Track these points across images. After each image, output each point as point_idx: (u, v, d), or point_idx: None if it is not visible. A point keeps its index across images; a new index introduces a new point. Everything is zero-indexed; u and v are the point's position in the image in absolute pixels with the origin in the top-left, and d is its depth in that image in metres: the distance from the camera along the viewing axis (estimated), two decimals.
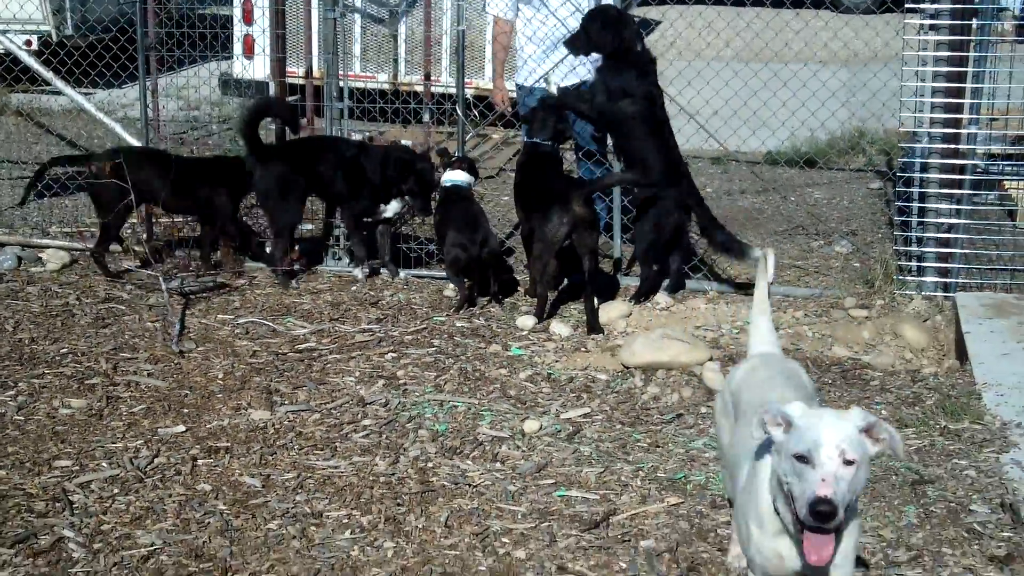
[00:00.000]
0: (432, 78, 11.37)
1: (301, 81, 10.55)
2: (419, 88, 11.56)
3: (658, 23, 18.42)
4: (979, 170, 7.86)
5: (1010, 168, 9.12)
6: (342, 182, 7.43)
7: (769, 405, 3.24)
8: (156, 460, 5.12)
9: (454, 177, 7.32)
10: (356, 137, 8.84)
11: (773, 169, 10.44)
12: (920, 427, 5.42)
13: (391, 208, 7.53)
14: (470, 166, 7.47)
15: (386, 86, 12.09)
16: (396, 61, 12.43)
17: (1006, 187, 9.08)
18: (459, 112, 7.82)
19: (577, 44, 7.26)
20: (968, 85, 7.02)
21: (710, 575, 4.28)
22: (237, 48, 12.83)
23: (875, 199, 10.20)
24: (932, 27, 7.11)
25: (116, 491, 4.84)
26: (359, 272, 7.60)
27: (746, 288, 7.14)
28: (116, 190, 7.18)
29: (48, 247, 7.86)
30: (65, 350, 6.30)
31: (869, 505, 4.71)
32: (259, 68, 12.25)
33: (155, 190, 7.41)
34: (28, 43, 12.61)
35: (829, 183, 10.66)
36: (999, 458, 5.08)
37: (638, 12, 19.45)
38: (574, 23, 7.56)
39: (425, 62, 11.32)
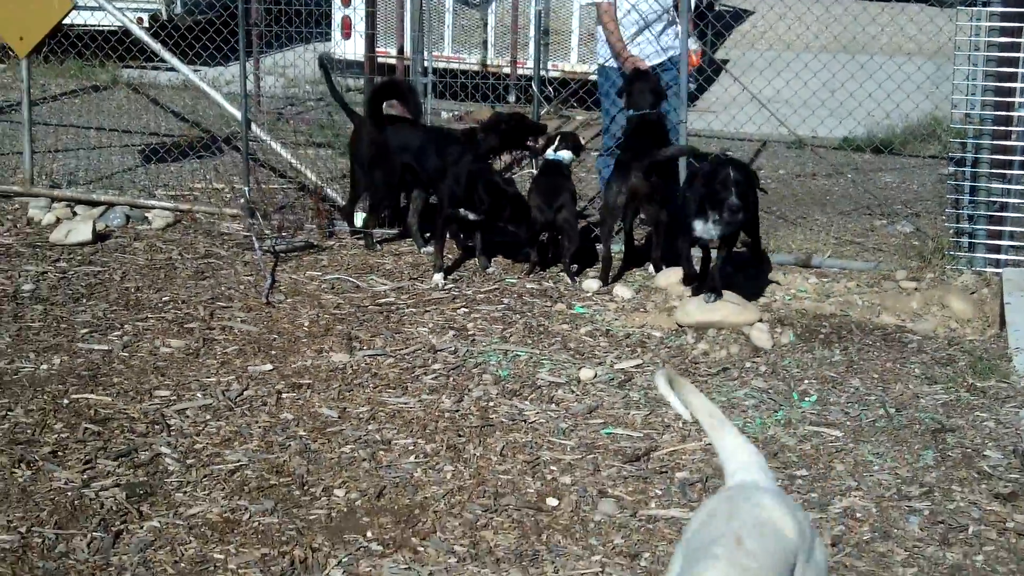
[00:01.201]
0: (519, 61, 11.85)
1: (393, 61, 11.18)
2: (507, 70, 12.05)
3: (750, 13, 18.73)
4: None
5: None
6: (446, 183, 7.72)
7: None
8: (245, 393, 5.68)
9: (555, 154, 7.78)
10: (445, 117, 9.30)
11: (848, 154, 10.74)
12: (948, 384, 5.80)
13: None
14: (575, 145, 7.91)
15: (475, 68, 12.60)
16: (485, 44, 12.94)
17: None
18: (535, 89, 8.30)
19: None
20: (1019, 70, 7.31)
21: None
22: (336, 29, 13.44)
23: (944, 184, 10.46)
24: (990, 15, 7.44)
25: (208, 417, 5.41)
26: (439, 278, 7.42)
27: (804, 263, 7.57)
28: None
29: (154, 207, 8.50)
30: (167, 298, 6.90)
31: (892, 448, 5.12)
32: (355, 48, 12.83)
33: None
34: (139, 20, 13.33)
35: (901, 168, 10.93)
36: (1019, 412, 5.46)
37: (732, 2, 19.81)
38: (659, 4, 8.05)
39: (512, 46, 11.81)
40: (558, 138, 7.89)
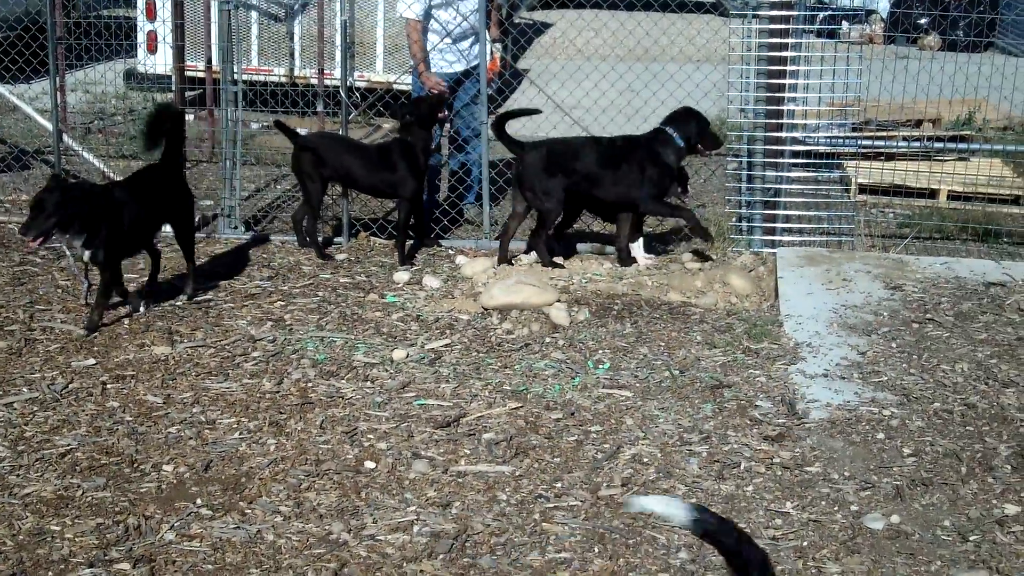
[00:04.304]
0: (326, 72, 12.18)
1: (201, 74, 11.39)
2: (314, 81, 12.37)
3: (550, 26, 19.45)
4: (800, 146, 8.88)
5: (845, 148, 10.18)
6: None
7: None
8: (71, 386, 5.90)
9: None
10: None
11: None
12: (726, 347, 6.42)
13: None
14: None
15: (283, 79, 12.88)
16: (293, 55, 13.24)
17: (845, 167, 10.16)
18: (343, 97, 8.68)
19: None
20: (787, 68, 8.05)
21: (536, 456, 5.19)
22: (141, 44, 13.54)
23: (729, 178, 11.23)
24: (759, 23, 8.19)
25: (36, 408, 5.63)
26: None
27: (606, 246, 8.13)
28: None
29: None
30: None
31: (675, 404, 5.68)
32: (161, 63, 12.96)
33: None
34: None
35: (689, 163, 11.63)
36: (787, 369, 6.11)
37: (533, 16, 20.49)
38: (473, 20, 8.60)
39: (319, 56, 12.13)
40: None
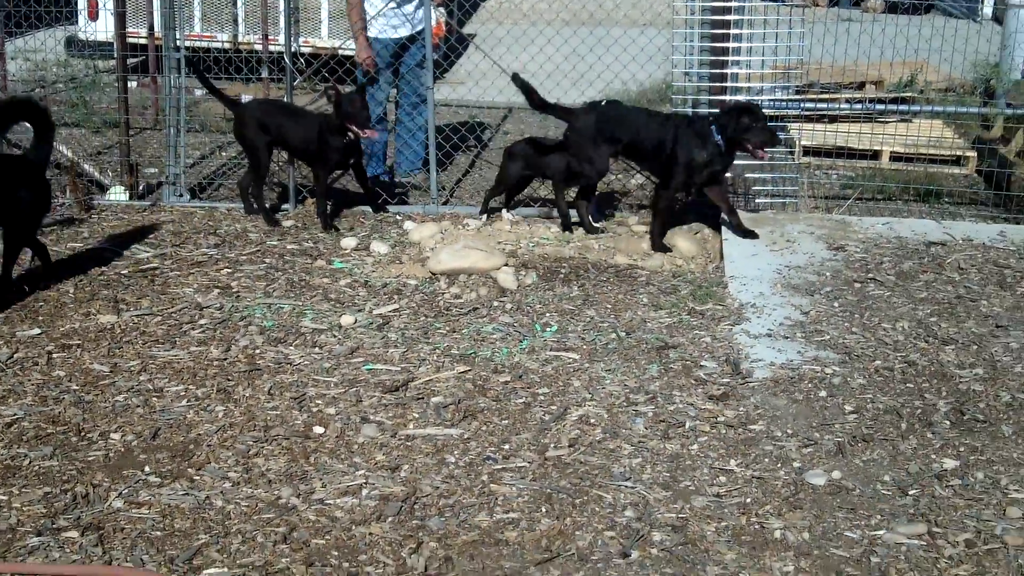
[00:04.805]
0: (270, 38, 12.07)
1: (143, 41, 11.27)
2: (259, 47, 12.27)
3: None
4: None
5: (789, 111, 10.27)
6: None
7: None
8: (16, 355, 5.86)
9: None
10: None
11: None
12: (672, 309, 6.49)
13: None
14: None
15: (227, 45, 12.77)
16: (236, 21, 13.12)
17: (789, 129, 10.24)
18: (287, 63, 8.64)
19: None
20: (731, 31, 8.11)
21: (484, 419, 5.24)
22: (82, 11, 13.37)
23: None
24: None
25: None
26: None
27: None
28: None
29: None
30: None
31: (622, 365, 5.74)
32: (103, 29, 12.81)
33: None
34: None
35: None
36: (732, 329, 6.18)
37: None
38: None
39: (263, 22, 12.02)
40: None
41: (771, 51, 8.49)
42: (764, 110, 7.58)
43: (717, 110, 7.78)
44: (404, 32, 9.02)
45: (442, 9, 10.14)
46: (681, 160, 7.52)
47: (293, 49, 8.95)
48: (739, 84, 8.41)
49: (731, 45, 8.17)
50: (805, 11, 8.62)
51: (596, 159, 7.77)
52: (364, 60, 8.88)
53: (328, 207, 8.25)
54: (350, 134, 7.99)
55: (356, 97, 8.03)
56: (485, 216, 8.19)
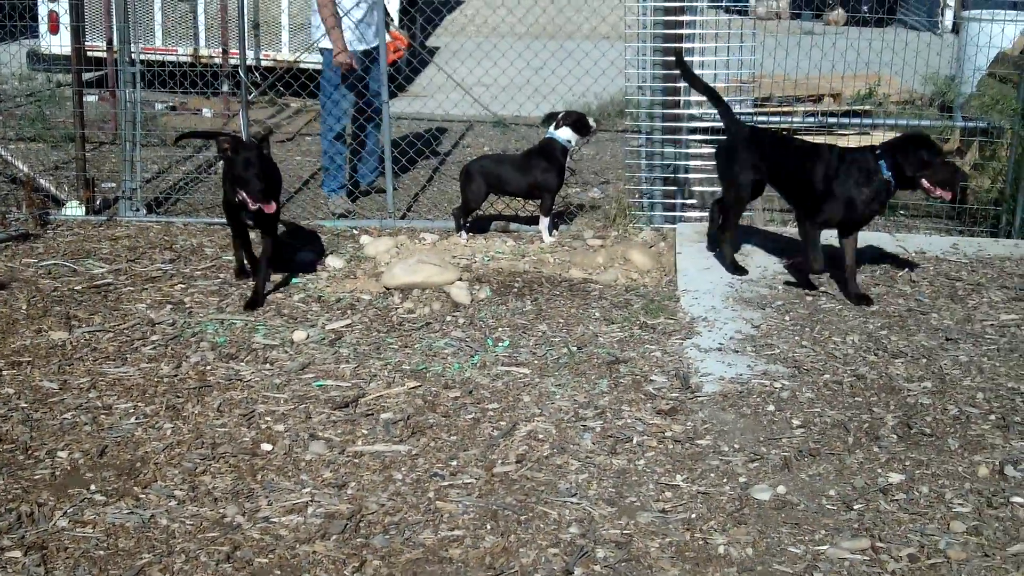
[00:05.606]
0: (231, 52, 12.08)
1: (102, 54, 11.24)
2: (219, 60, 12.27)
3: (461, 3, 19.44)
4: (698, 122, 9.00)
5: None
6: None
7: None
8: None
9: (555, 133, 8.04)
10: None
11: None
12: (624, 323, 6.51)
13: None
14: (575, 124, 8.01)
15: (187, 59, 12.75)
16: (196, 35, 13.10)
17: None
18: (242, 76, 8.63)
19: None
20: (683, 45, 8.15)
21: (433, 435, 5.24)
22: (42, 24, 13.33)
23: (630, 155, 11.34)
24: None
25: None
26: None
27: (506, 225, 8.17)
28: None
29: None
30: None
31: (572, 380, 5.76)
32: (64, 42, 12.76)
33: None
34: None
35: (596, 141, 11.75)
36: (683, 343, 6.21)
37: None
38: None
39: (223, 36, 12.03)
40: (560, 118, 8.06)
41: (723, 64, 8.54)
42: (719, 123, 7.54)
43: (887, 144, 6.81)
44: (361, 47, 9.02)
45: (400, 26, 10.18)
46: (839, 195, 6.72)
47: (253, 63, 8.95)
48: (692, 98, 8.44)
49: (684, 59, 8.19)
50: (757, 24, 8.67)
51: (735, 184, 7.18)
52: (341, 61, 8.80)
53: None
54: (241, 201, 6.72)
55: (251, 158, 6.67)
56: (465, 234, 8.13)
